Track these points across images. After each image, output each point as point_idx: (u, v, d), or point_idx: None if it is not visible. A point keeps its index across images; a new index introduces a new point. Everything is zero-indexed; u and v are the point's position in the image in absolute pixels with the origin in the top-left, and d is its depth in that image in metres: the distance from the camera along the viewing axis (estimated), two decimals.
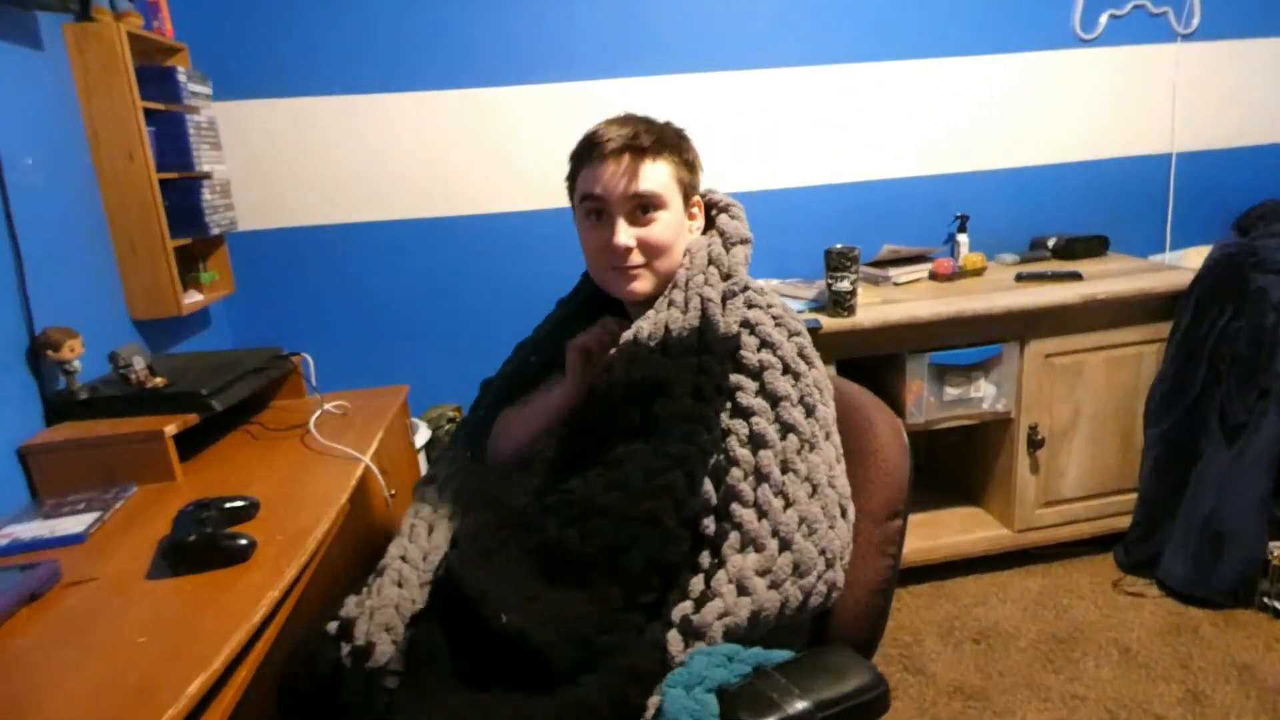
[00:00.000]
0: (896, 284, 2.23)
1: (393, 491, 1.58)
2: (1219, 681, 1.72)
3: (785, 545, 0.91)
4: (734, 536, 0.92)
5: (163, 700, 0.78)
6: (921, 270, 2.30)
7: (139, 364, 1.44)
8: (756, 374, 0.98)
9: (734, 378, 0.99)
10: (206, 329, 2.08)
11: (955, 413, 2.05)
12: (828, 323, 1.91)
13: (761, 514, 0.93)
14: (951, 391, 2.03)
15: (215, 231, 1.85)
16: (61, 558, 1.07)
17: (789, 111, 2.32)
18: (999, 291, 2.07)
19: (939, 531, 2.18)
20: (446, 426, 2.22)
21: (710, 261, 1.05)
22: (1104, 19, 2.40)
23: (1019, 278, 2.19)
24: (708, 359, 0.97)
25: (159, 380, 1.44)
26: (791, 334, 1.03)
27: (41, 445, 1.31)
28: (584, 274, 1.24)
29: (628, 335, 1.03)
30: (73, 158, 1.57)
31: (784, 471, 0.94)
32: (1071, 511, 2.16)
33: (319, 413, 1.63)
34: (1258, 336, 1.90)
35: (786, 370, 0.99)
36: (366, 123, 2.15)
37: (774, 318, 1.02)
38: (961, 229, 2.40)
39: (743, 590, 0.89)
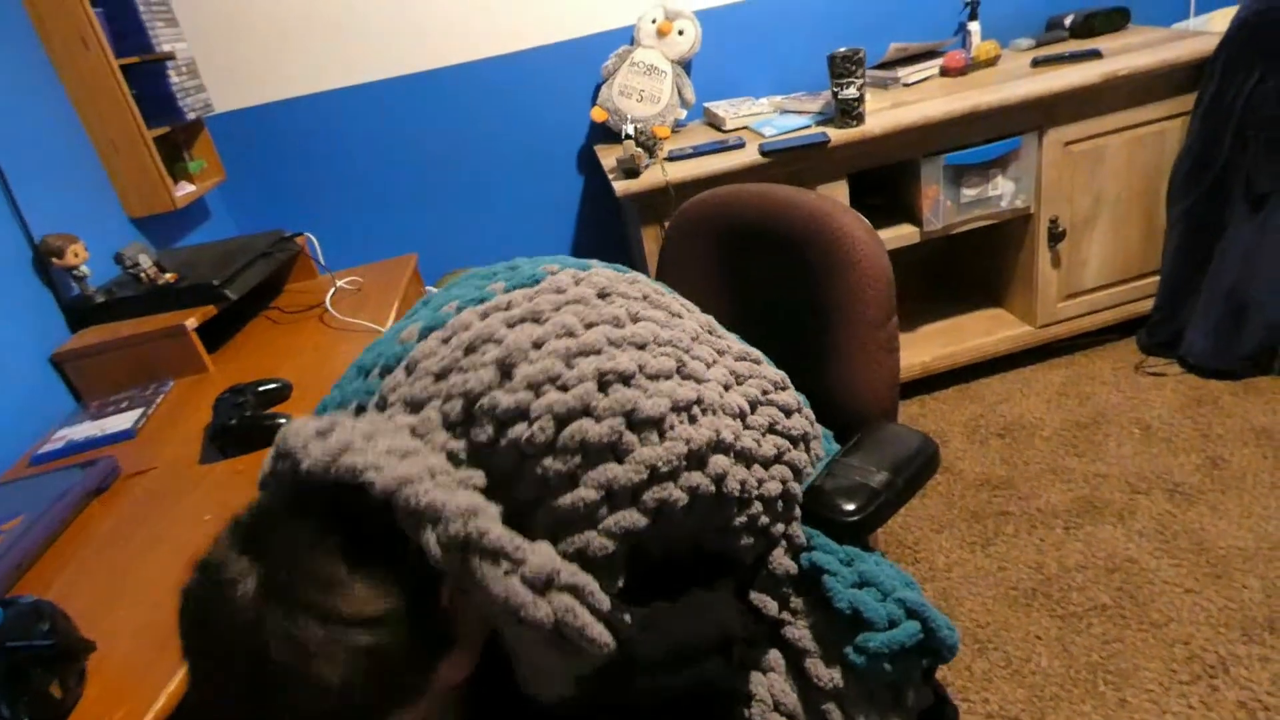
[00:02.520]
0: (906, 85, 2.12)
1: None
2: (1237, 446, 1.77)
3: (773, 502, 0.76)
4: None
5: None
6: (932, 67, 2.17)
7: (146, 262, 1.43)
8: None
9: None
10: (206, 220, 2.05)
11: (974, 214, 2.00)
12: (836, 135, 1.83)
13: (743, 531, 0.75)
14: (969, 193, 1.97)
15: (191, 116, 1.78)
16: (117, 453, 1.12)
17: None
18: (1014, 80, 1.96)
19: (962, 336, 2.19)
20: None
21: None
22: None
23: (1035, 63, 2.06)
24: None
25: (169, 276, 1.44)
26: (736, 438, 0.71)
27: (72, 351, 1.34)
28: None
29: None
30: (26, 56, 1.49)
31: (733, 505, 0.73)
32: (1094, 301, 2.15)
33: (333, 290, 1.64)
34: None
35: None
36: None
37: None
38: (972, 16, 2.24)
39: (784, 538, 0.78)
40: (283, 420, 1.11)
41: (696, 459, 0.69)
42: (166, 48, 1.73)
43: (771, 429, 0.77)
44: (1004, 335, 2.17)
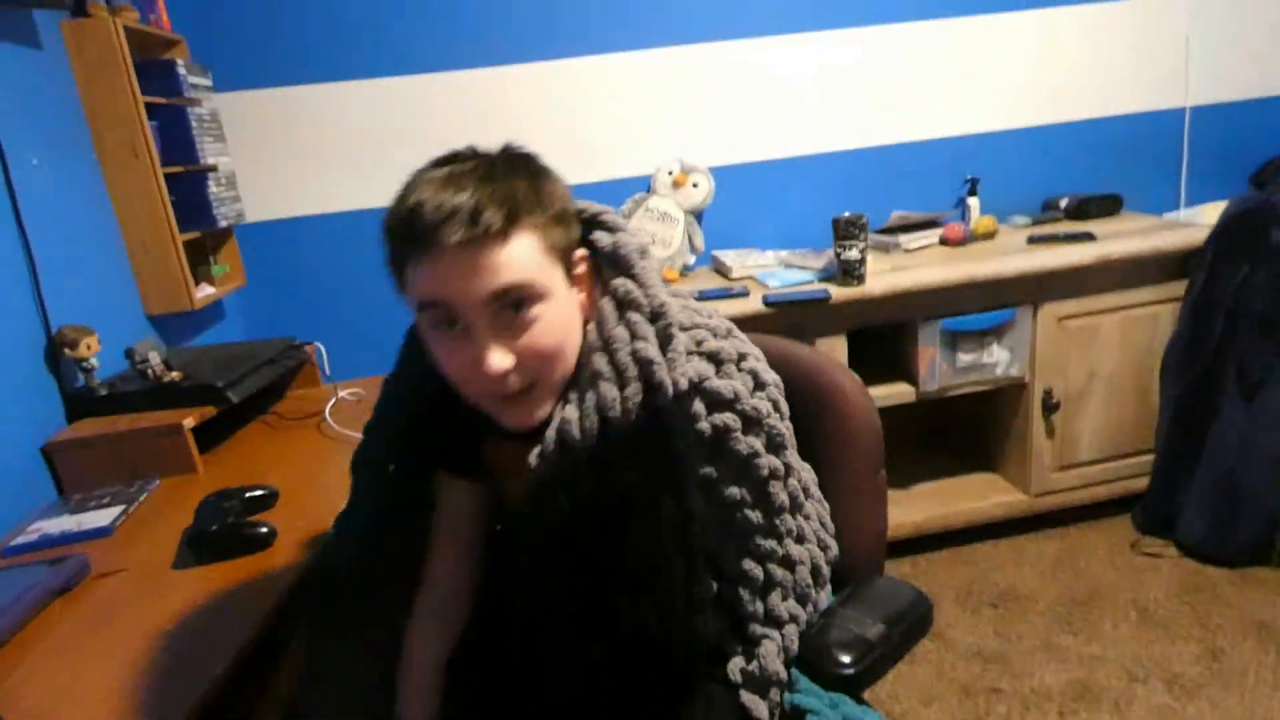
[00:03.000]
0: (907, 250, 2.22)
1: None
2: (1237, 638, 1.72)
3: (793, 567, 0.87)
4: (744, 592, 0.85)
5: (192, 684, 0.80)
6: (932, 236, 2.27)
7: (155, 359, 1.46)
8: (714, 442, 0.78)
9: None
10: (220, 321, 2.10)
11: (969, 379, 2.04)
12: (837, 292, 1.90)
13: (760, 559, 0.85)
14: (965, 357, 2.02)
15: (223, 224, 1.86)
16: (90, 551, 1.10)
17: (792, 78, 2.29)
18: (1011, 255, 2.05)
19: (955, 498, 2.18)
20: None
21: (626, 306, 0.78)
22: None
23: (1031, 240, 2.16)
24: (672, 440, 0.77)
25: (175, 374, 1.46)
26: (740, 360, 0.81)
27: (65, 442, 1.34)
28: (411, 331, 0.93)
29: (549, 440, 0.75)
30: (78, 156, 1.58)
31: (772, 516, 0.84)
32: (1088, 474, 2.15)
33: (334, 401, 1.65)
34: (1277, 292, 1.87)
35: (749, 425, 0.79)
36: (368, 108, 2.14)
37: (712, 356, 0.79)
38: (972, 192, 2.37)
39: (782, 623, 0.85)
40: (264, 529, 1.09)
41: (768, 435, 0.81)
42: (211, 160, 1.83)
43: (812, 518, 0.90)
44: (998, 501, 2.15)
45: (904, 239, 2.22)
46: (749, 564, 0.84)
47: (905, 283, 1.92)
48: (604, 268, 0.81)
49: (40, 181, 1.44)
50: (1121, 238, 2.09)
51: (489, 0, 2.13)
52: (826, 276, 2.01)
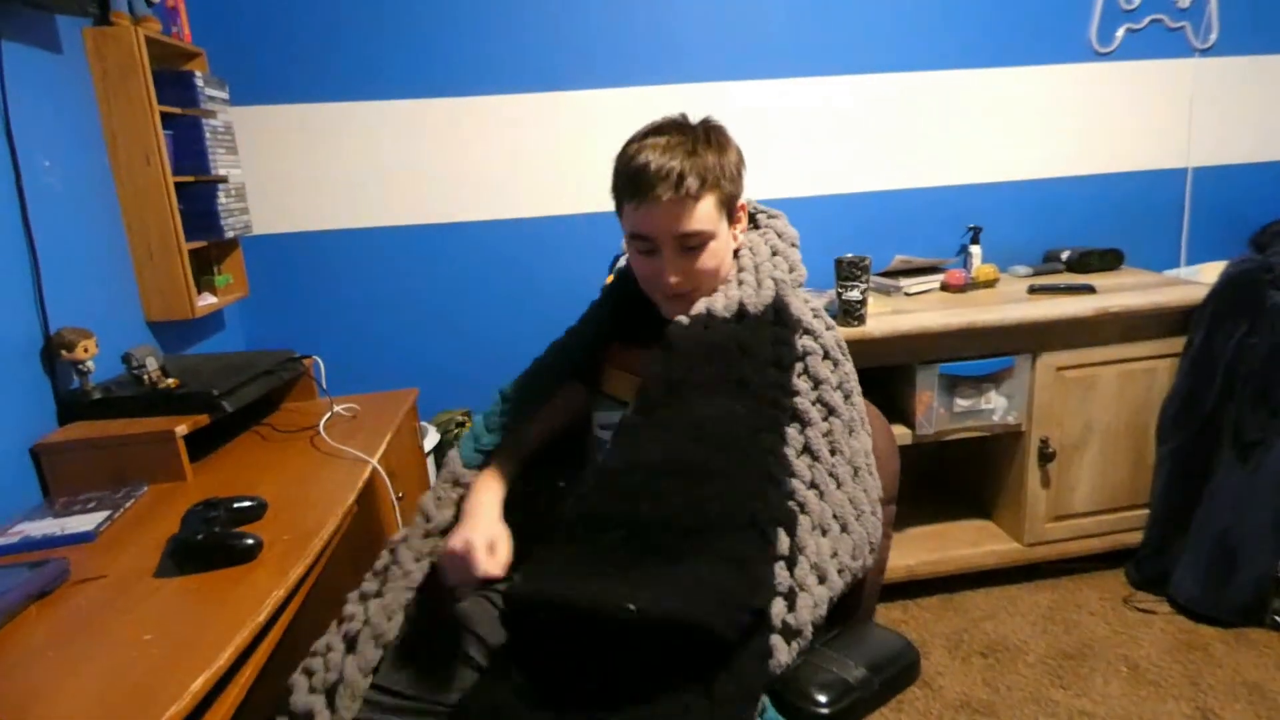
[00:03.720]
0: (908, 294, 2.23)
1: (400, 494, 1.59)
2: (1228, 700, 1.69)
3: (843, 528, 0.96)
4: (804, 519, 0.93)
5: (167, 697, 0.78)
6: (933, 281, 2.29)
7: (152, 365, 1.45)
8: (801, 359, 1.04)
9: None
10: (220, 331, 2.09)
11: (965, 424, 2.04)
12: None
13: (820, 494, 0.96)
14: (962, 403, 2.02)
15: (230, 235, 1.87)
16: (71, 555, 1.08)
17: (802, 121, 2.33)
18: (1011, 303, 2.06)
19: (948, 544, 2.16)
20: (455, 431, 2.22)
21: (776, 253, 1.13)
22: (1121, 33, 2.39)
23: (1032, 290, 2.18)
24: (783, 331, 1.03)
25: (171, 381, 1.45)
26: (828, 327, 1.10)
27: (54, 444, 1.32)
28: (619, 268, 1.28)
29: (699, 309, 1.05)
30: (90, 160, 1.59)
31: (832, 453, 0.99)
32: (1082, 526, 2.14)
33: (329, 415, 1.64)
34: (1274, 354, 1.88)
35: (827, 356, 1.05)
36: (381, 129, 2.17)
37: (814, 312, 1.10)
38: (974, 240, 2.39)
39: (822, 579, 0.91)
40: (249, 541, 1.08)
41: (840, 377, 1.05)
42: (222, 171, 1.85)
43: (863, 512, 0.99)
44: (991, 549, 2.13)
45: (905, 283, 2.23)
46: (811, 494, 0.95)
47: (905, 325, 1.93)
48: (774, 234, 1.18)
49: (50, 182, 1.45)
50: (1122, 292, 2.10)
51: (501, 31, 2.16)
52: (828, 315, 2.02)
